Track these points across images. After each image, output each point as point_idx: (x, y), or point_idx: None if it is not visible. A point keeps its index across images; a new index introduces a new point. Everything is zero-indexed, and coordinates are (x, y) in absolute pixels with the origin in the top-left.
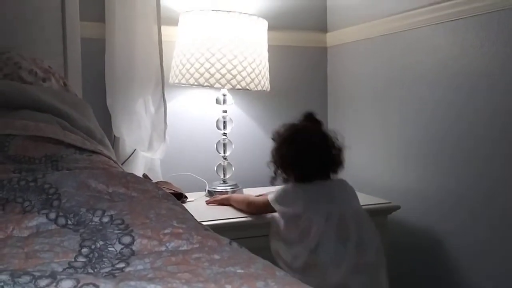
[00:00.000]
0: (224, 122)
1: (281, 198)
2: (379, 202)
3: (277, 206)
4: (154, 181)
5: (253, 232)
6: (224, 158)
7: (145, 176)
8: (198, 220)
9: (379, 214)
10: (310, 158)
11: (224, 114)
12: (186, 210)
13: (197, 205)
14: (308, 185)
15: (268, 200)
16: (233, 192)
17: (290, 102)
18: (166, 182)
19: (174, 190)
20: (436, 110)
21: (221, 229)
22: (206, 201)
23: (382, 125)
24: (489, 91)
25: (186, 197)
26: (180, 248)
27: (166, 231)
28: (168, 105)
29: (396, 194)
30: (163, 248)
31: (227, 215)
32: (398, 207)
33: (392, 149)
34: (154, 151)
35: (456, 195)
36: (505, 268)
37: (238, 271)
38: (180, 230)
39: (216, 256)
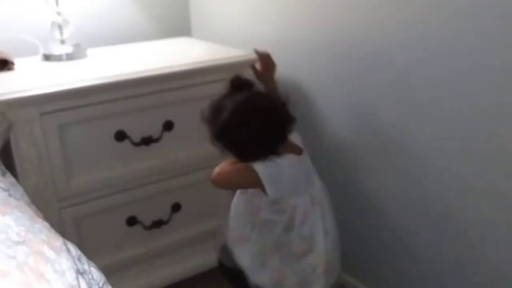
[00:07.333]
0: None
1: (274, 173)
2: (243, 54)
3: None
4: None
5: (100, 97)
6: (58, 14)
7: None
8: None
9: (243, 67)
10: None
11: None
12: None
13: (29, 72)
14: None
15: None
16: (73, 55)
17: None
18: None
19: None
20: None
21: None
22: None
23: None
24: None
25: (13, 63)
26: None
27: None
28: None
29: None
30: None
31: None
32: None
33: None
34: None
35: (320, 45)
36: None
37: None
38: None
39: None
